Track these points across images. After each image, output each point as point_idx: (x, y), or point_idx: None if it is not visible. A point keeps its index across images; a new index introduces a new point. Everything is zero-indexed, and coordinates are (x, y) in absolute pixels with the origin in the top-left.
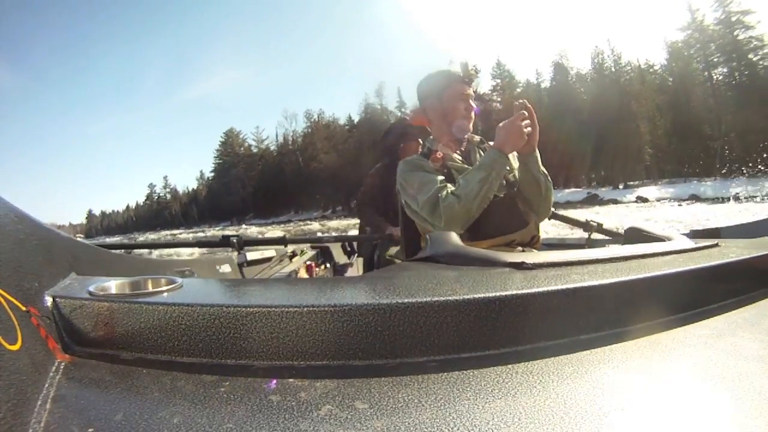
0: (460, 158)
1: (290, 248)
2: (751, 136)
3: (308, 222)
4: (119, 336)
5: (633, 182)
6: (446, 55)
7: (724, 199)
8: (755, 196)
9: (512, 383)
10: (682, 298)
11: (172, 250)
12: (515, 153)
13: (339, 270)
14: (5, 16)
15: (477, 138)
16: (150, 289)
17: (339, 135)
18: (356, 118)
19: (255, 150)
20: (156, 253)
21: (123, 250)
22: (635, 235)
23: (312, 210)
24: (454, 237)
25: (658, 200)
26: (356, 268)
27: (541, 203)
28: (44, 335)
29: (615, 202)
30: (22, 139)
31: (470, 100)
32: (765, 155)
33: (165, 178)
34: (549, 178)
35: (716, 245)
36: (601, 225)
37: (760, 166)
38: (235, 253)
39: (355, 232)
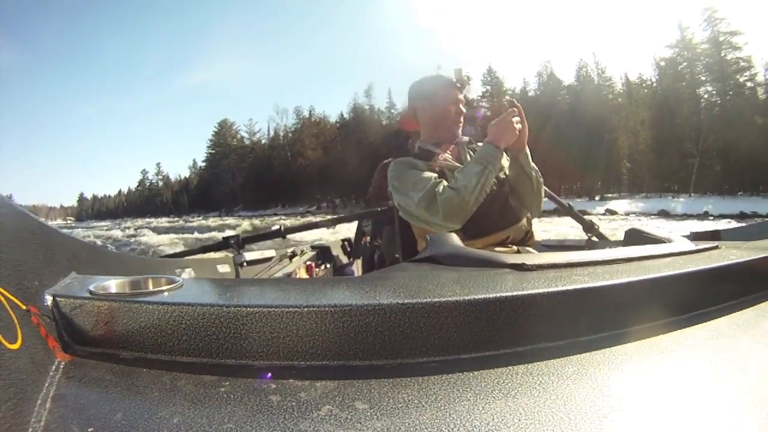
0: (451, 157)
1: (290, 248)
2: (732, 155)
3: (294, 217)
4: (119, 335)
5: (611, 195)
6: (442, 58)
7: (691, 216)
8: (728, 215)
9: (512, 384)
10: (682, 300)
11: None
12: (506, 152)
13: (339, 270)
14: None
15: (465, 139)
16: (150, 288)
17: (327, 132)
18: (347, 117)
19: (247, 142)
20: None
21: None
22: (635, 237)
23: (298, 205)
24: (454, 238)
25: (627, 214)
26: (356, 268)
27: (533, 199)
28: (44, 334)
29: (583, 213)
30: (15, 118)
31: (461, 105)
32: (746, 175)
33: (158, 165)
34: (540, 174)
35: (716, 247)
36: (598, 227)
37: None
38: (235, 253)
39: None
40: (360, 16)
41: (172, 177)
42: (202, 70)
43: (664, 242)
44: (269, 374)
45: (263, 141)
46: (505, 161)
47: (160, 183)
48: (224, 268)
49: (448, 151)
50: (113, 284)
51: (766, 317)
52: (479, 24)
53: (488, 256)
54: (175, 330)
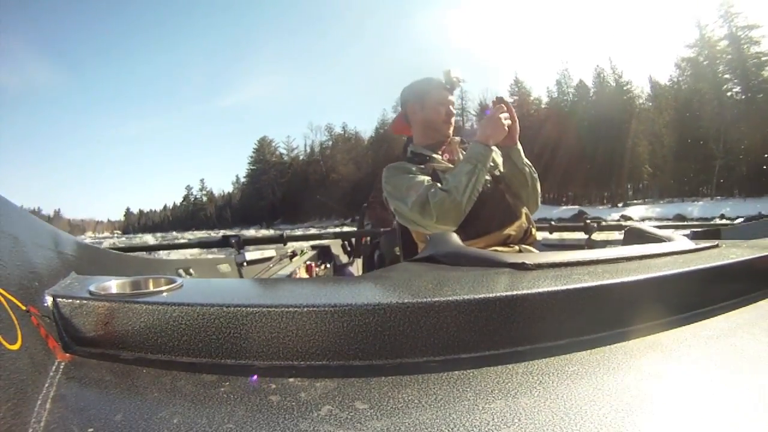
0: (443, 159)
1: (290, 248)
2: (757, 155)
3: (329, 227)
4: (119, 336)
5: (637, 201)
6: (473, 72)
7: (707, 221)
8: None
9: (512, 384)
10: (682, 298)
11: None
12: (499, 150)
13: (339, 270)
14: (48, 17)
15: (457, 139)
16: (150, 288)
17: (359, 148)
18: (376, 133)
19: (285, 158)
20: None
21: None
22: (635, 236)
23: (333, 218)
24: (455, 237)
25: (642, 219)
26: (356, 268)
27: (530, 195)
28: (44, 335)
29: (596, 220)
30: (63, 138)
31: (451, 106)
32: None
33: (201, 180)
34: (534, 169)
35: (717, 246)
36: (600, 222)
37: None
38: (235, 253)
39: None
40: (396, 32)
41: (216, 192)
42: (241, 89)
43: (664, 241)
44: (269, 374)
45: (301, 157)
46: (499, 158)
47: (204, 198)
48: (224, 268)
49: (440, 153)
50: (113, 284)
51: (766, 316)
52: (508, 34)
53: (488, 255)
54: (175, 330)
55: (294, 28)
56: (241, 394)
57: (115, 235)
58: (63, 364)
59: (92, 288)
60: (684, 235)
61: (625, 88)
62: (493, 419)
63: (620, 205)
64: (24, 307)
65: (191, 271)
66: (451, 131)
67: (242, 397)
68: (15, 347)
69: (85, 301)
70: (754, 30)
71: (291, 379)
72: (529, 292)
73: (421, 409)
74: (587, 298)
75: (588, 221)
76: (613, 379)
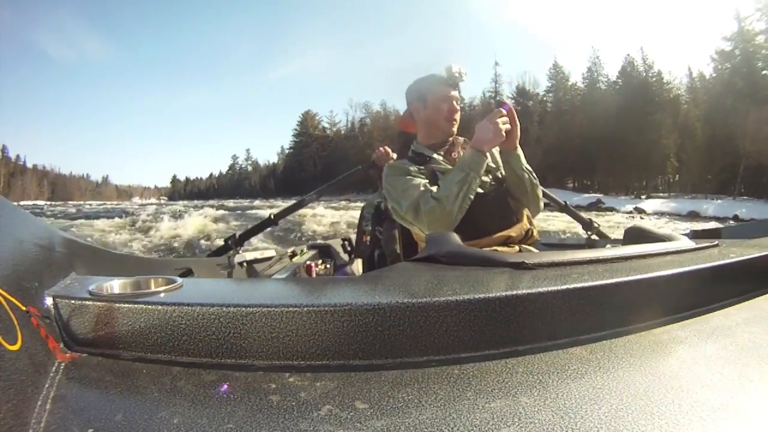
0: (443, 158)
1: (290, 248)
2: None
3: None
4: (119, 336)
5: (661, 194)
6: (528, 52)
7: (721, 219)
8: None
9: (512, 383)
10: (682, 298)
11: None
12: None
13: (339, 270)
14: None
15: (461, 139)
16: (150, 288)
17: (394, 126)
18: None
19: (328, 132)
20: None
21: (126, 250)
22: (636, 235)
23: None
24: (454, 237)
25: (655, 213)
26: (356, 268)
27: (530, 200)
28: (44, 335)
29: (612, 210)
30: (114, 108)
31: (454, 102)
32: None
33: (247, 150)
34: (533, 174)
35: (716, 245)
36: (599, 226)
37: None
38: (235, 253)
39: None
40: (451, 13)
41: (261, 162)
42: (290, 62)
43: (664, 240)
44: (269, 374)
45: (342, 132)
46: (500, 160)
47: (249, 167)
48: (224, 268)
49: (443, 153)
50: (113, 285)
51: (766, 315)
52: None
53: (488, 255)
54: (174, 330)
55: (343, 5)
56: (241, 393)
57: (162, 200)
58: (63, 364)
59: (92, 288)
60: (684, 235)
61: (655, 79)
62: (493, 418)
63: (643, 197)
64: (24, 308)
65: (191, 271)
66: (454, 129)
67: (242, 397)
68: (15, 348)
69: (85, 302)
70: None
71: (291, 379)
72: (528, 291)
73: (421, 408)
74: (587, 297)
75: (590, 219)
76: (612, 378)
